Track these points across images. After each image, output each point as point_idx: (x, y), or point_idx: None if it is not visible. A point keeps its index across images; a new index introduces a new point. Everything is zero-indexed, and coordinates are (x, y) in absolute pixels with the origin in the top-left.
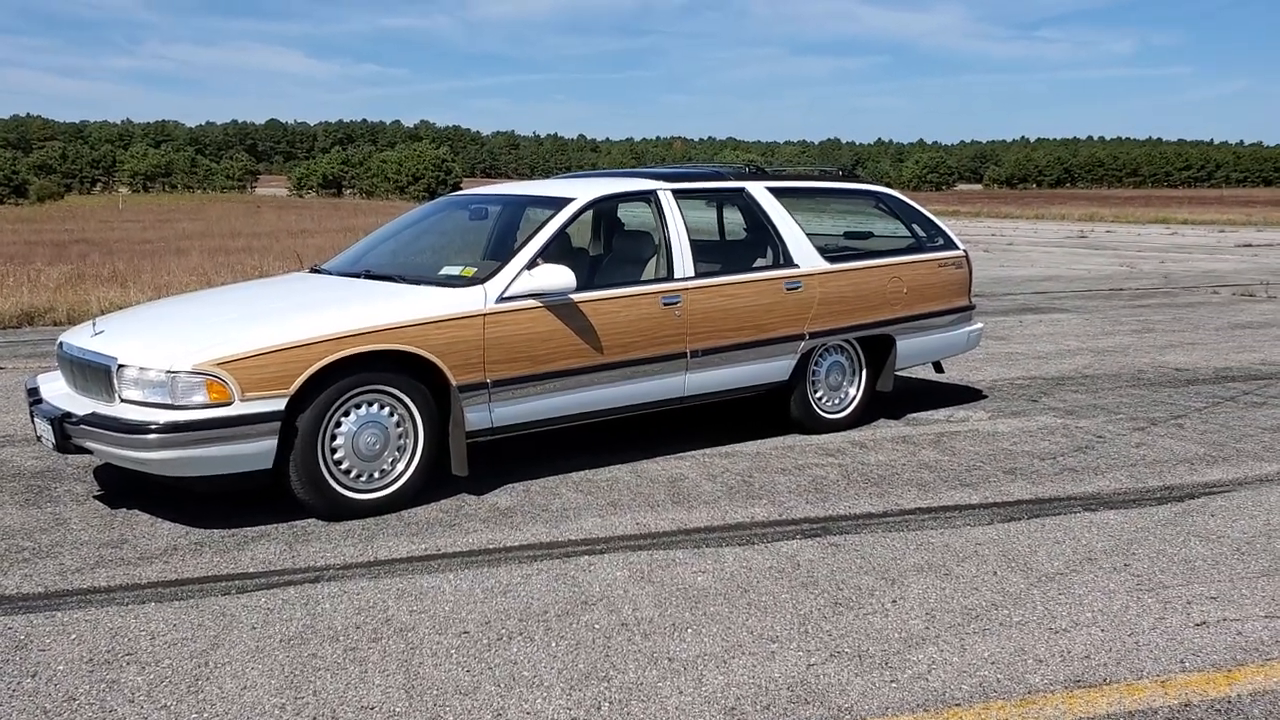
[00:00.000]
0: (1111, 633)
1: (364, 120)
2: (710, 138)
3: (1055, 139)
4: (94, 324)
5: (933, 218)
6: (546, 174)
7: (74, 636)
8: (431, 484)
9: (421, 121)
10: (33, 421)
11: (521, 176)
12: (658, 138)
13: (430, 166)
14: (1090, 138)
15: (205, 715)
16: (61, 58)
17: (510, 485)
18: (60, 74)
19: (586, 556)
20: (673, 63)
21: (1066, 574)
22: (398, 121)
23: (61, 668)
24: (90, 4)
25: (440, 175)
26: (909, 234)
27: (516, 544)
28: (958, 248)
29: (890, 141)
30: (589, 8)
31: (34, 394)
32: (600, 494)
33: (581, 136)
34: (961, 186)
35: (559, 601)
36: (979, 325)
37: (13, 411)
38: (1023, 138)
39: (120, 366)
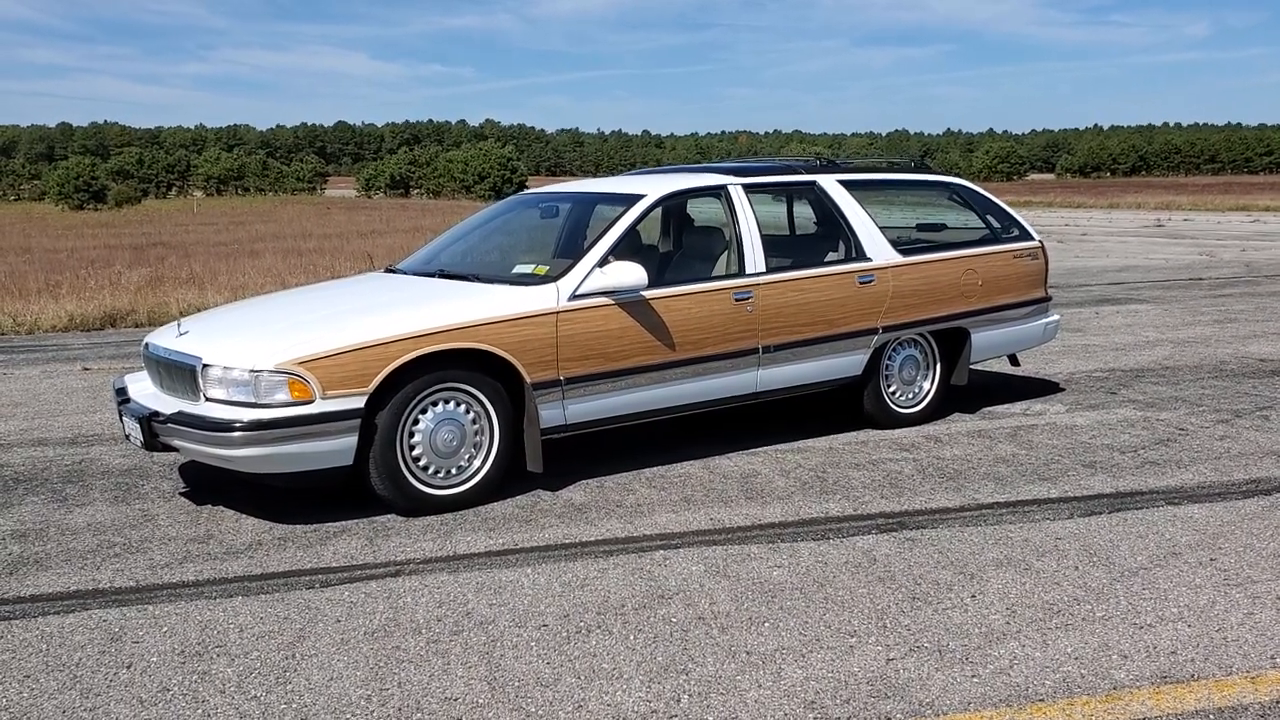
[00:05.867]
0: (1198, 628)
1: (430, 120)
2: (776, 131)
3: (1130, 126)
4: (179, 325)
5: (1007, 209)
6: (611, 171)
7: (165, 629)
8: (507, 480)
9: (487, 120)
10: (121, 420)
11: (586, 174)
12: (723, 132)
13: (496, 165)
14: (1166, 124)
15: (294, 706)
16: (137, 65)
17: (584, 481)
18: (136, 81)
19: (662, 551)
20: (736, 56)
21: (1150, 569)
22: (463, 121)
23: (155, 659)
24: (163, 12)
25: (506, 174)
26: (983, 225)
27: (592, 539)
28: (1033, 239)
29: (959, 131)
30: (649, 3)
31: (122, 394)
32: (673, 489)
33: (646, 132)
34: (1033, 176)
35: (636, 595)
36: (1055, 317)
37: (99, 411)
38: (1096, 125)
39: (205, 366)
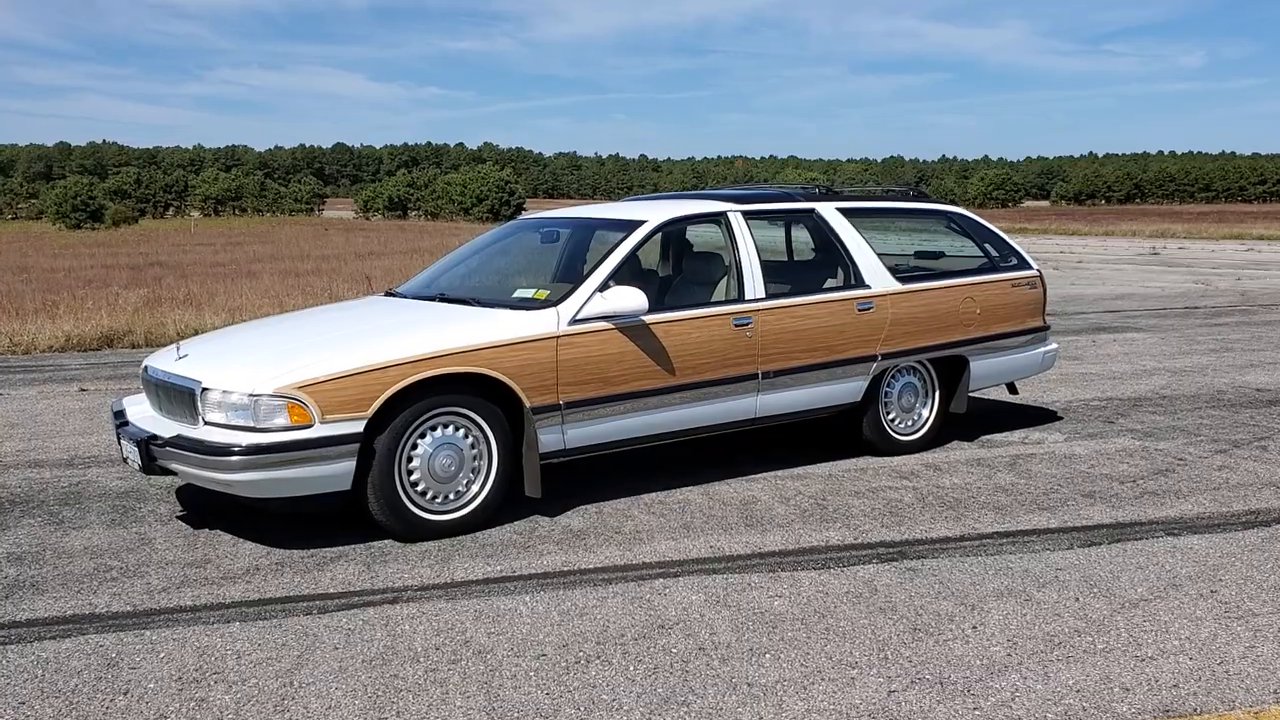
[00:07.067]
0: (1200, 661)
1: (428, 143)
2: (772, 156)
3: (1124, 154)
4: (178, 348)
5: (1005, 237)
6: (608, 194)
7: (163, 655)
8: (504, 505)
9: (485, 143)
10: (119, 443)
11: (584, 197)
12: (719, 157)
13: (494, 188)
14: (1160, 152)
15: None
16: (136, 85)
17: (582, 507)
18: (135, 101)
19: (661, 579)
20: (733, 82)
21: (1151, 600)
22: (461, 144)
23: (152, 685)
24: (163, 32)
25: (503, 196)
26: (981, 254)
27: (591, 566)
28: (1031, 267)
29: (955, 158)
30: (648, 29)
31: (120, 416)
32: (672, 516)
33: (643, 156)
34: (1028, 203)
35: (635, 625)
36: (1053, 346)
37: (96, 432)
38: (1090, 153)
39: (204, 390)
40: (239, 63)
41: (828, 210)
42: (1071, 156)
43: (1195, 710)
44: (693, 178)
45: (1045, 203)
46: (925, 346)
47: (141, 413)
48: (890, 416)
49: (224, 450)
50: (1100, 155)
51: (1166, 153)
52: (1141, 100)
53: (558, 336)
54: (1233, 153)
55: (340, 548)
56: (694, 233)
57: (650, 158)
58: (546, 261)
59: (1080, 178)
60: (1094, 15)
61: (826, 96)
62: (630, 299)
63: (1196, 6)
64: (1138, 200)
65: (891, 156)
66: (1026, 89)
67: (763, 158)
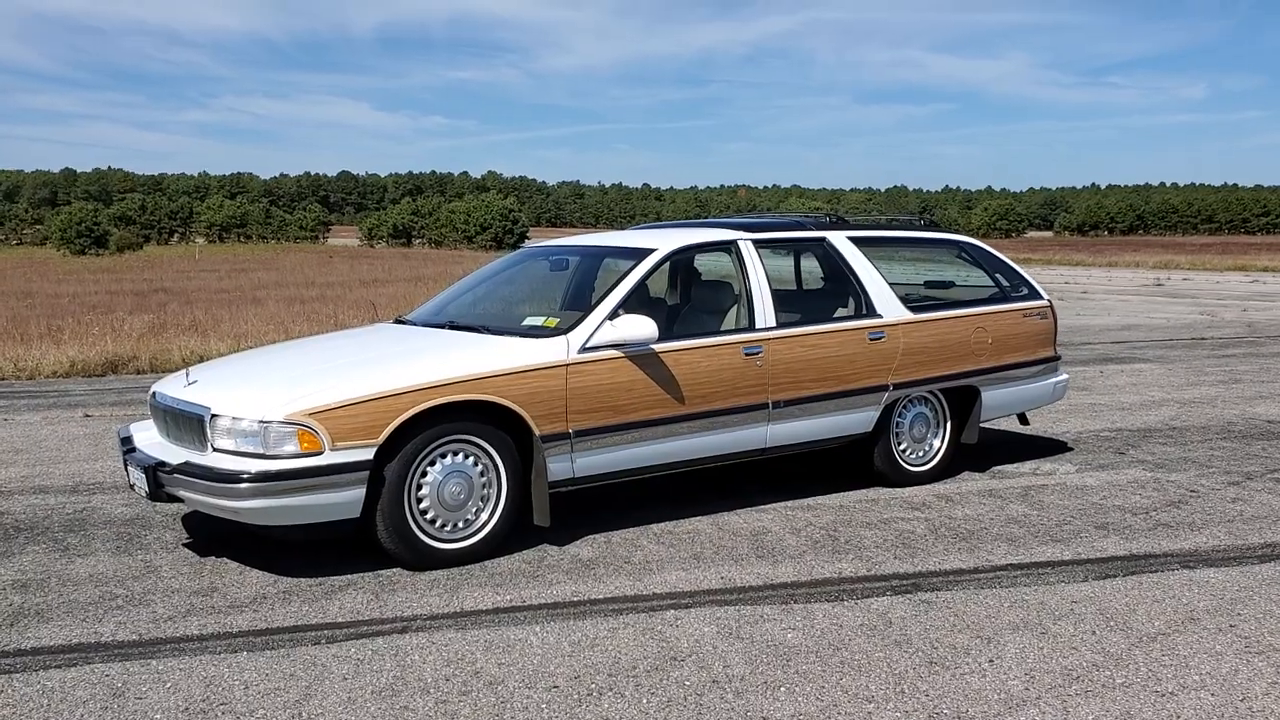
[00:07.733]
0: (1222, 697)
1: (432, 171)
2: (774, 185)
3: (1127, 185)
4: (187, 374)
5: (1016, 267)
6: (612, 223)
7: (169, 685)
8: (512, 534)
9: (489, 172)
10: (126, 470)
11: (587, 226)
12: (722, 186)
13: (498, 216)
14: (1163, 184)
15: None
16: (141, 112)
17: (591, 536)
18: (140, 128)
19: (672, 610)
20: (736, 112)
21: (1169, 634)
22: (465, 173)
23: (159, 716)
24: (168, 60)
25: (507, 225)
26: (991, 283)
27: (601, 596)
28: (1042, 298)
29: (958, 188)
30: (651, 60)
31: (127, 443)
32: (682, 546)
33: (646, 185)
34: (1031, 234)
35: (648, 656)
36: (1064, 376)
37: (101, 458)
38: (1093, 184)
39: (213, 416)
40: (243, 91)
41: (838, 239)
42: (1074, 187)
43: None
44: (695, 206)
45: (1048, 233)
46: (937, 376)
47: (149, 439)
48: (901, 447)
49: (233, 478)
50: (1103, 186)
51: (1169, 184)
52: (1143, 132)
53: (567, 364)
54: (1235, 184)
55: (348, 576)
56: (702, 261)
57: (653, 186)
58: (555, 290)
59: (1083, 209)
60: (1094, 48)
61: (830, 126)
62: (640, 327)
63: (1197, 39)
64: (1141, 231)
65: (895, 186)
66: (1029, 120)
67: (766, 187)
